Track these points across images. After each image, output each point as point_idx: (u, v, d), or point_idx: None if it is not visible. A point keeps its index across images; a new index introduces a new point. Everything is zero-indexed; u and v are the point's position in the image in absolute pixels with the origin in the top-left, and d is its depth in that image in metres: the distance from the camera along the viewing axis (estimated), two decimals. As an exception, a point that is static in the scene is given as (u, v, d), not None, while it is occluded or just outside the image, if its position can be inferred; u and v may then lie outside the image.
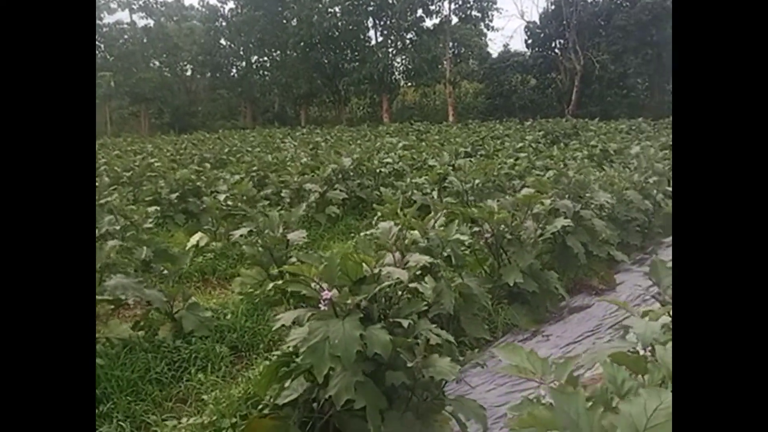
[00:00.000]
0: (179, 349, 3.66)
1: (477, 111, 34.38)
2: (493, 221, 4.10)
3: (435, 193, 6.37)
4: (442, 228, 3.68)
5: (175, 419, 2.94)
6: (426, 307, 2.93)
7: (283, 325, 4.23)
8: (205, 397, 3.10)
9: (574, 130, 16.78)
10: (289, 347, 3.22)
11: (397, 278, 2.60)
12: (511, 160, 8.52)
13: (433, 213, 3.85)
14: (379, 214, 6.33)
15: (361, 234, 5.68)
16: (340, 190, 7.62)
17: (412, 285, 2.72)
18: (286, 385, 2.62)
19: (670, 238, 6.70)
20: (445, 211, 3.96)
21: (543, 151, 10.37)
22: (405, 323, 2.54)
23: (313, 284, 2.48)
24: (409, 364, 2.38)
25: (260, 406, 2.89)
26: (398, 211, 6.01)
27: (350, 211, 7.93)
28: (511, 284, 4.00)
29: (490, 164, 7.36)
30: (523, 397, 3.14)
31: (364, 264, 2.72)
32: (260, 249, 4.57)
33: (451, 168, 7.63)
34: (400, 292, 2.75)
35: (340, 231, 7.12)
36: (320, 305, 2.47)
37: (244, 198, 6.78)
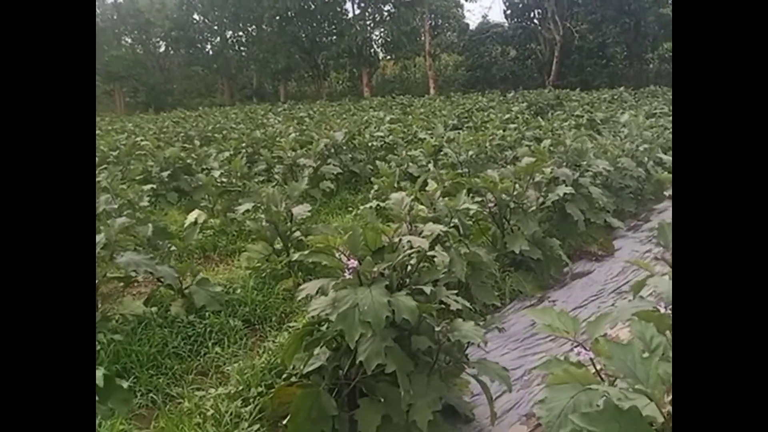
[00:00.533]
0: (193, 324, 3.69)
1: (458, 83, 34.29)
2: (497, 190, 4.16)
3: (431, 165, 6.41)
4: (448, 198, 3.73)
5: (200, 390, 2.99)
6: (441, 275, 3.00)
7: (294, 297, 4.29)
8: (228, 368, 3.15)
9: (558, 101, 16.88)
10: (312, 316, 3.29)
11: (418, 247, 2.65)
12: (501, 131, 8.57)
13: (438, 184, 3.90)
14: (375, 187, 6.39)
15: (361, 207, 5.73)
16: (334, 165, 7.63)
17: (429, 253, 2.77)
18: (315, 352, 2.68)
19: (661, 204, 6.86)
20: (449, 182, 4.01)
21: (530, 121, 10.44)
22: (427, 290, 2.61)
23: (337, 254, 2.52)
24: (437, 329, 2.45)
25: (284, 375, 2.95)
26: (396, 183, 6.07)
27: (344, 186, 7.94)
28: (517, 252, 4.09)
29: (482, 136, 7.42)
30: (546, 356, 3.24)
31: (382, 234, 2.78)
32: (265, 224, 4.59)
33: (443, 140, 7.68)
34: (418, 261, 2.81)
35: (336, 206, 7.14)
36: (345, 274, 2.52)
37: (238, 174, 6.76)
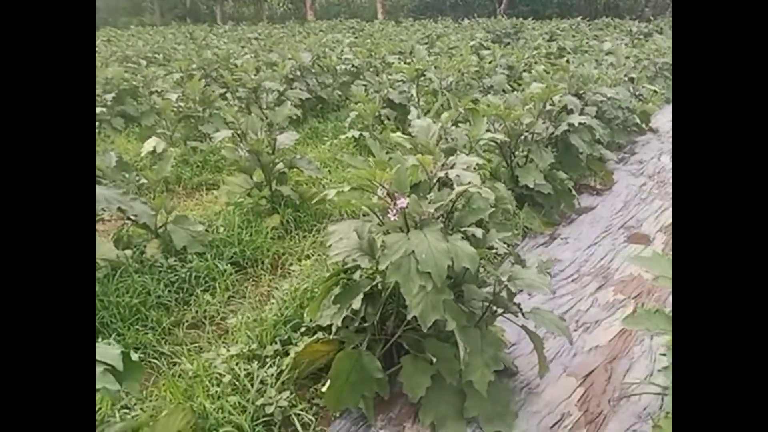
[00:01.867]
0: (175, 268, 3.21)
1: (407, 9, 32.92)
2: (509, 119, 3.78)
3: (413, 91, 5.92)
4: (467, 127, 3.33)
5: (195, 344, 2.57)
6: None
7: (283, 237, 3.84)
8: (228, 320, 2.72)
9: (515, 29, 16.42)
10: (337, 263, 2.89)
11: (470, 182, 2.26)
12: (475, 58, 8.11)
13: (453, 109, 3.47)
14: (352, 114, 5.87)
15: (342, 136, 5.25)
16: (300, 89, 7.00)
17: (474, 190, 2.39)
18: (334, 305, 2.29)
19: (645, 136, 6.71)
20: (461, 109, 3.59)
21: (497, 49, 9.99)
22: (478, 233, 2.25)
23: (380, 191, 2.10)
24: (503, 278, 2.11)
25: (301, 329, 2.57)
26: (379, 110, 5.58)
27: (310, 113, 7.35)
28: (531, 186, 3.78)
29: (462, 62, 6.94)
30: (572, 297, 2.98)
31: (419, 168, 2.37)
32: (245, 154, 4.05)
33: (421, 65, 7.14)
34: (466, 199, 2.43)
35: (305, 134, 6.59)
36: (389, 215, 2.11)
37: (197, 99, 6.05)
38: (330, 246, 2.33)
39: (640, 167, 5.59)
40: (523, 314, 2.32)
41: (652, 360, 2.63)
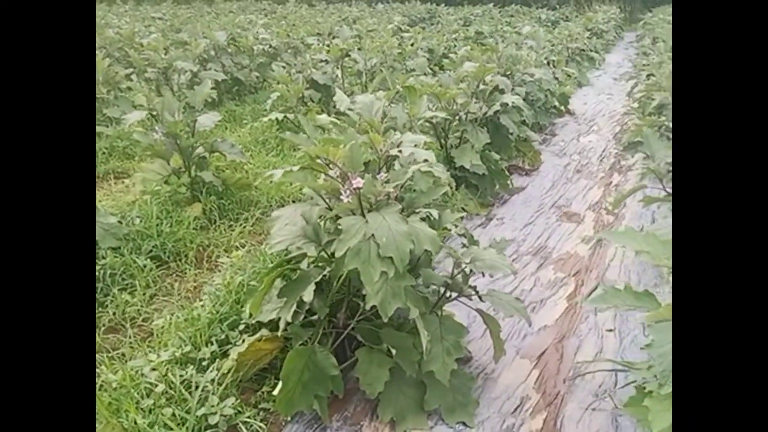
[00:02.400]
0: (87, 265, 2.85)
1: (318, -8, 32.31)
2: (444, 98, 3.68)
3: (338, 72, 5.70)
4: (406, 105, 3.19)
5: (116, 350, 2.28)
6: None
7: (208, 227, 3.55)
8: (157, 321, 2.43)
9: (429, 15, 16.50)
10: (274, 252, 2.65)
11: (425, 160, 2.12)
12: (395, 40, 7.98)
13: (392, 88, 3.31)
14: (274, 96, 5.58)
15: (265, 119, 4.96)
16: (215, 70, 6.58)
17: (426, 169, 2.25)
18: (280, 299, 2.08)
19: (563, 118, 6.88)
20: (398, 87, 3.44)
21: (410, 32, 9.92)
22: (435, 214, 2.12)
23: (334, 170, 1.91)
24: (465, 260, 1.99)
25: (240, 327, 2.33)
26: (303, 92, 5.33)
27: (226, 95, 6.95)
28: (467, 167, 3.71)
29: (386, 43, 6.79)
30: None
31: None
32: (161, 137, 3.69)
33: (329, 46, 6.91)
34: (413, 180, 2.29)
35: (223, 118, 6.19)
36: (342, 197, 1.92)
37: (100, 80, 5.51)
38: (271, 234, 2.12)
39: (562, 148, 5.70)
40: (480, 297, 2.22)
41: (599, 336, 2.63)
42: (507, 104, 4.10)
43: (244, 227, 3.62)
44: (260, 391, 2.11)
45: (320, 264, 2.17)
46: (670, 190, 3.20)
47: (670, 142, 3.31)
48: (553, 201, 4.29)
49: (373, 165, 2.27)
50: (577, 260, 3.38)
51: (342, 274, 2.01)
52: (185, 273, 3.12)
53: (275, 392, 1.91)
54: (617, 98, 8.24)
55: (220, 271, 3.06)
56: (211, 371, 2.05)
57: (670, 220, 2.96)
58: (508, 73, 4.70)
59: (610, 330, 2.66)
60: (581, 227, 3.84)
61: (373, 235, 1.78)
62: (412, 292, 1.89)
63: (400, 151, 2.13)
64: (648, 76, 6.91)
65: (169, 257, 3.19)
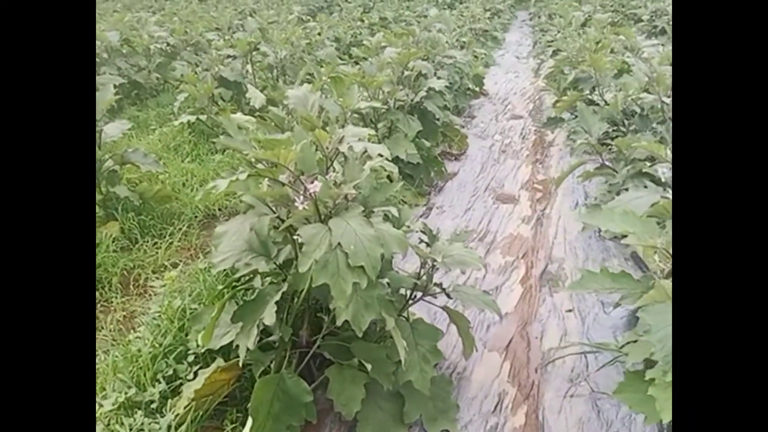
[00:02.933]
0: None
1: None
2: (372, 86, 3.53)
3: (249, 67, 5.38)
4: (336, 96, 3.01)
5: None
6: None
7: (130, 248, 3.21)
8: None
9: (327, 3, 16.21)
10: (219, 272, 2.39)
11: (379, 154, 1.96)
12: (301, 30, 7.70)
13: (318, 80, 3.12)
14: (181, 97, 5.19)
15: (176, 122, 4.60)
16: (110, 74, 6.04)
17: (377, 164, 2.10)
18: (235, 323, 1.86)
19: (477, 100, 6.93)
20: (325, 78, 3.24)
21: (323, 20, 9.66)
22: (395, 212, 1.97)
23: (285, 174, 1.71)
24: (436, 257, 1.85)
25: (190, 357, 2.09)
26: (213, 91, 4.98)
27: (126, 100, 6.41)
28: (403, 157, 3.58)
29: (293, 32, 6.51)
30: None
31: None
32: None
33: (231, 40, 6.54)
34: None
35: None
36: (296, 204, 1.73)
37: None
38: (214, 250, 1.89)
39: (483, 129, 5.73)
40: (447, 294, 2.11)
41: (560, 318, 2.60)
42: (434, 89, 4.02)
43: (171, 243, 3.30)
44: (222, 430, 1.88)
45: (275, 280, 1.97)
46: (608, 163, 3.24)
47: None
48: (486, 183, 4.27)
49: (320, 165, 2.09)
50: (522, 242, 3.36)
51: (303, 289, 1.83)
52: (111, 302, 2.79)
53: (245, 431, 1.70)
54: (524, 76, 8.43)
55: (151, 296, 2.76)
56: (165, 415, 1.80)
57: (611, 195, 2.99)
58: (427, 57, 4.62)
59: (570, 310, 2.64)
60: (518, 207, 3.84)
61: (339, 243, 1.61)
62: (385, 300, 1.74)
63: (350, 147, 1.96)
64: (554, 52, 7.10)
65: (88, 287, 2.84)
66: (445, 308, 2.18)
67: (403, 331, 1.91)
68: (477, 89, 6.95)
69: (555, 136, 5.42)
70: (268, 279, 2.02)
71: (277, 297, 1.76)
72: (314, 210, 1.75)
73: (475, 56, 8.12)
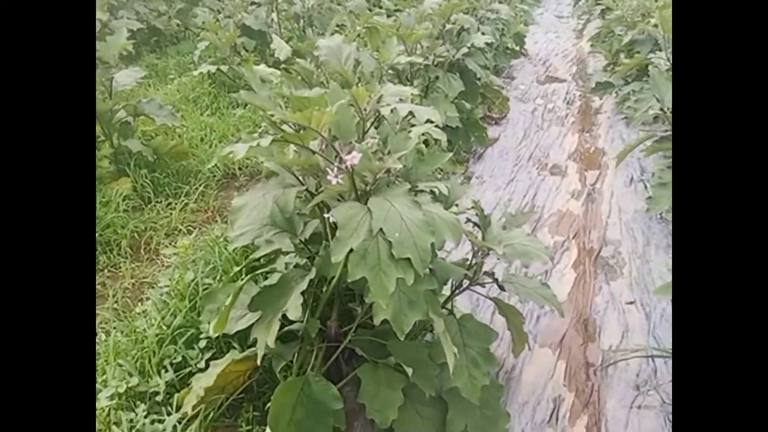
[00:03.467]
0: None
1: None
2: (410, 40, 3.16)
3: (274, 15, 5.01)
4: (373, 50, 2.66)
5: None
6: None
7: (141, 207, 2.96)
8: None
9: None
10: (237, 249, 2.12)
11: (428, 120, 1.64)
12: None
13: (351, 30, 2.76)
14: (202, 45, 4.85)
15: (196, 72, 4.30)
16: (128, 18, 5.72)
17: (422, 130, 1.77)
18: (254, 312, 1.58)
19: (517, 60, 6.47)
20: (359, 29, 2.89)
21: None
22: (443, 188, 1.66)
23: (317, 139, 1.41)
24: (498, 250, 1.54)
25: (202, 342, 1.83)
26: (236, 40, 4.65)
27: (144, 47, 6.10)
28: (442, 120, 3.23)
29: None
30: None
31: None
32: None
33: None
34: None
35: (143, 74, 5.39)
36: (330, 177, 1.42)
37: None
38: (233, 224, 1.61)
39: (524, 92, 5.31)
40: (499, 285, 1.80)
41: (620, 311, 2.30)
42: (476, 45, 3.63)
43: (186, 204, 3.04)
44: (235, 427, 1.64)
45: (300, 262, 1.69)
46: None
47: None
48: (529, 152, 3.91)
49: (357, 130, 1.77)
50: (572, 220, 3.03)
51: (333, 276, 1.55)
52: (119, 267, 2.55)
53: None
54: (565, 37, 7.89)
55: (162, 265, 2.51)
56: (167, 409, 1.55)
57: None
58: (468, 10, 4.20)
59: (631, 303, 2.33)
60: (566, 180, 3.49)
61: (381, 229, 1.31)
62: (430, 296, 1.44)
63: (393, 110, 1.64)
64: (603, 11, 6.57)
65: (96, 249, 2.60)
66: (495, 300, 1.88)
67: (449, 329, 1.62)
68: (517, 48, 6.48)
69: (602, 102, 4.99)
70: (293, 260, 1.73)
71: (304, 285, 1.48)
72: (350, 185, 1.44)
73: (514, 13, 7.59)
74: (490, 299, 1.89)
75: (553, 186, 3.41)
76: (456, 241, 1.43)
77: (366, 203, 1.39)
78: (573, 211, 3.11)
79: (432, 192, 1.55)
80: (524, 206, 3.16)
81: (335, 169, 1.43)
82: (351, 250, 1.28)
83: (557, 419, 1.80)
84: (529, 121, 4.49)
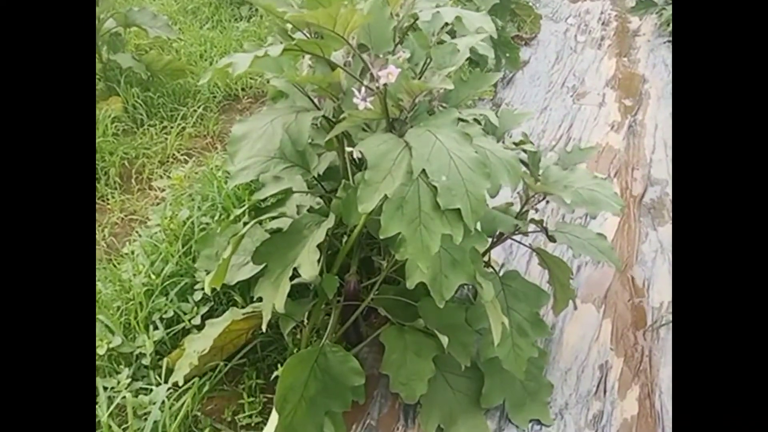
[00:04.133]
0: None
1: None
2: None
3: None
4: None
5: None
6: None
7: (133, 130, 2.66)
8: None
9: None
10: (238, 186, 1.84)
11: (479, 28, 1.30)
12: None
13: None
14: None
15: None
16: None
17: (468, 41, 1.43)
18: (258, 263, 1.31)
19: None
20: None
21: None
22: (492, 117, 1.34)
23: (341, 50, 1.08)
24: (566, 198, 1.25)
25: (197, 294, 1.58)
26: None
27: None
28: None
29: None
30: None
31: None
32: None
33: None
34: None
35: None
36: (356, 100, 1.11)
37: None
38: (233, 156, 1.30)
39: (554, 10, 4.82)
40: (550, 236, 1.52)
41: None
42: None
43: (183, 129, 2.72)
44: (235, 396, 1.41)
45: (316, 207, 1.40)
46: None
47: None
48: (563, 78, 3.52)
49: (389, 39, 1.43)
50: (612, 155, 2.71)
51: (356, 225, 1.26)
52: (107, 198, 2.27)
53: (268, 428, 1.21)
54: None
55: (155, 197, 2.23)
56: (155, 377, 1.31)
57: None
58: None
59: (685, 253, 2.06)
60: (605, 110, 3.14)
61: (424, 171, 1.01)
62: (476, 256, 1.16)
63: (436, 14, 1.30)
64: None
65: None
66: (537, 251, 1.61)
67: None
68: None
69: (641, 24, 4.52)
70: (306, 201, 1.44)
71: (320, 236, 1.20)
72: (382, 111, 1.13)
73: None
74: (533, 250, 1.62)
75: (591, 116, 3.06)
76: (514, 185, 1.13)
77: (402, 136, 1.09)
78: (613, 146, 2.78)
79: (482, 121, 1.24)
80: (559, 138, 2.83)
81: (363, 89, 1.11)
82: (386, 198, 0.99)
83: (605, 391, 1.56)
84: (562, 43, 4.05)
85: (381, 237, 0.99)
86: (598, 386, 1.58)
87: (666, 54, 3.84)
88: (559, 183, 1.32)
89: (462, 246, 1.09)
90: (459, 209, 1.00)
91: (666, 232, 2.20)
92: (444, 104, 1.24)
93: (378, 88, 1.08)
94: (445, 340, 1.26)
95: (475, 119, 1.34)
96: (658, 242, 2.15)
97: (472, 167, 1.03)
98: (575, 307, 1.65)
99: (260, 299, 1.27)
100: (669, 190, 2.45)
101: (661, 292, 1.91)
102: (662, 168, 2.60)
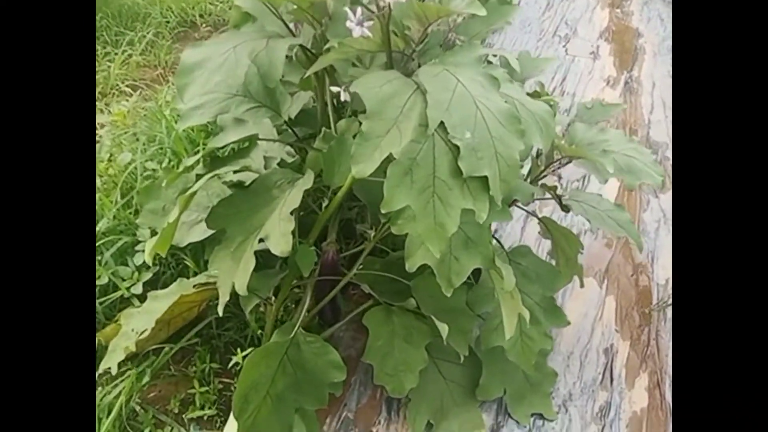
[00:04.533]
0: None
1: None
2: None
3: None
4: None
5: None
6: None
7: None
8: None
9: None
10: (201, 129, 1.55)
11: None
12: None
13: None
14: None
15: None
16: None
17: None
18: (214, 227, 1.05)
19: None
20: None
21: None
22: (513, 60, 1.09)
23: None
24: (607, 165, 1.01)
25: (138, 256, 1.31)
26: None
27: None
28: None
29: None
30: None
31: None
32: None
33: None
34: None
35: None
36: (350, 24, 0.84)
37: None
38: (182, 91, 1.02)
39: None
40: (563, 206, 1.30)
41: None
42: None
43: (130, 56, 2.36)
44: (184, 380, 1.17)
45: (288, 160, 1.14)
46: None
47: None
48: (554, 25, 3.26)
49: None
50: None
51: (340, 186, 1.01)
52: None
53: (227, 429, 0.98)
54: None
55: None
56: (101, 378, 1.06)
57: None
58: None
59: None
60: (599, 63, 2.90)
61: (442, 123, 0.75)
62: (487, 231, 0.93)
63: None
64: None
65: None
66: (543, 221, 1.39)
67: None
68: None
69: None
70: (277, 153, 1.17)
71: (295, 200, 0.94)
72: (383, 41, 0.86)
73: None
74: (539, 219, 1.40)
75: (585, 69, 2.82)
76: (546, 146, 0.89)
77: (409, 76, 0.83)
78: (609, 102, 2.56)
79: (508, 63, 0.98)
80: (552, 91, 2.59)
81: (358, 12, 0.83)
82: (389, 161, 0.74)
83: (611, 379, 1.39)
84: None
85: (383, 210, 0.74)
86: (603, 374, 1.40)
87: (661, 7, 3.60)
88: (595, 146, 1.08)
89: (480, 225, 0.85)
90: (485, 177, 0.76)
91: (668, 199, 2.02)
92: (461, 37, 0.98)
93: (382, 9, 0.81)
94: (444, 328, 1.04)
95: (504, 60, 1.09)
96: (660, 210, 1.97)
97: (503, 122, 0.78)
98: (581, 285, 1.45)
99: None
100: (669, 153, 2.27)
101: (665, 267, 1.74)
102: (661, 129, 2.41)
